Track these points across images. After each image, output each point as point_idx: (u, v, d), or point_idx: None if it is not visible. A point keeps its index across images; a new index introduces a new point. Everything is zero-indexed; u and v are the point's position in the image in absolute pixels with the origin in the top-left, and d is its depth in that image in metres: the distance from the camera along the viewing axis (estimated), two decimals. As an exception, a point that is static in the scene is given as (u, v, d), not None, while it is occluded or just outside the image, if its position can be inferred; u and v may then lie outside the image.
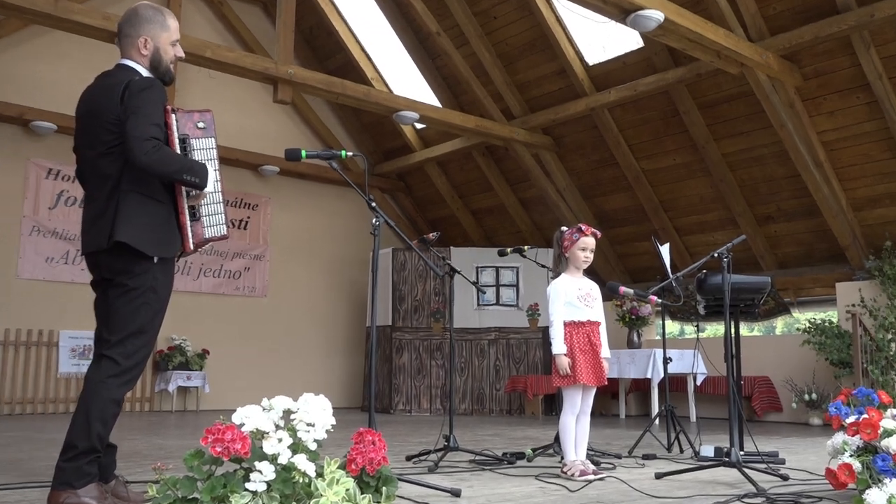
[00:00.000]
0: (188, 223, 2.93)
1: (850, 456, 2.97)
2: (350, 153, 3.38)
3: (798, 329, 8.12)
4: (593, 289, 4.19)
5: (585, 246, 4.14)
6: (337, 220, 10.90)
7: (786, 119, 7.35)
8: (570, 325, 3.98)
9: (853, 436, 3.01)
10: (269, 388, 9.58)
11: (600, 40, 8.47)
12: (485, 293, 5.66)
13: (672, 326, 10.63)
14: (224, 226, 3.02)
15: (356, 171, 10.76)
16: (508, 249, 5.56)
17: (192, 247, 2.96)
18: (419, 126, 10.38)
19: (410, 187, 11.47)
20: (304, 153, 3.27)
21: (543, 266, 5.51)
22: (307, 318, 10.46)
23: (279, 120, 10.45)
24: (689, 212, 8.96)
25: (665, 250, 5.56)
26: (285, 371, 10.07)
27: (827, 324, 7.78)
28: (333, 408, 2.14)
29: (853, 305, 7.73)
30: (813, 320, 7.90)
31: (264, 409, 2.08)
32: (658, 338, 9.35)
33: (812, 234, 8.30)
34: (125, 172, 2.82)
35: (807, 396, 7.63)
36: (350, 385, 10.59)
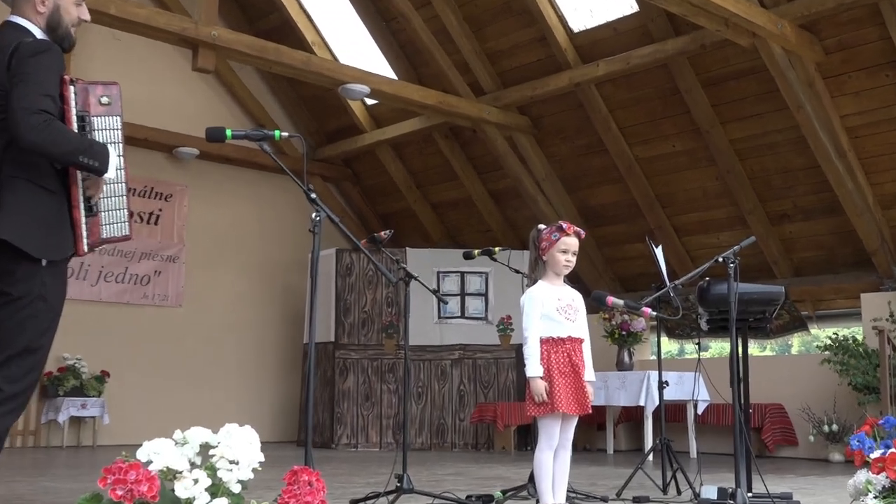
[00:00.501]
0: (83, 219, 2.87)
1: (875, 497, 2.99)
2: (285, 134, 3.36)
3: (817, 348, 8.23)
4: (576, 299, 4.23)
5: (567, 247, 4.19)
6: (269, 215, 10.87)
7: (804, 100, 7.46)
8: (547, 343, 4.01)
9: (878, 473, 3.03)
10: (184, 418, 9.34)
11: (588, 3, 8.49)
12: (447, 303, 5.66)
13: (669, 345, 10.76)
14: (126, 224, 2.99)
15: (293, 155, 10.71)
16: (476, 251, 5.55)
17: (86, 248, 2.91)
18: (370, 102, 10.34)
19: (359, 175, 11.45)
20: (229, 133, 3.27)
21: (517, 271, 5.51)
22: (232, 333, 10.40)
23: (199, 92, 10.38)
24: (691, 208, 9.06)
25: (661, 253, 5.62)
26: (204, 397, 10.00)
27: (850, 341, 7.86)
28: (263, 442, 2.12)
29: (881, 320, 7.82)
30: (834, 337, 7.97)
31: (177, 444, 2.05)
32: (653, 358, 9.40)
33: (833, 235, 8.43)
34: (8, 153, 2.75)
35: (826, 428, 7.73)
36: (283, 414, 10.56)
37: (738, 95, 8.11)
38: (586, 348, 4.23)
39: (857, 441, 3.20)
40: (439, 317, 9.35)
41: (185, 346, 10.03)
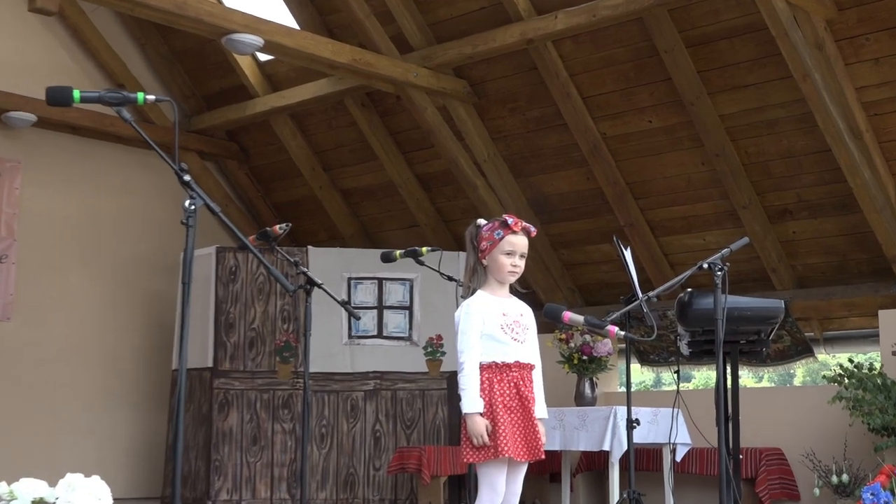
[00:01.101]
0: None
1: (892, 565, 3.09)
2: (152, 97, 3.35)
3: (825, 378, 8.27)
4: (525, 314, 4.31)
5: (513, 248, 4.26)
6: (130, 202, 10.78)
7: (811, 67, 7.57)
8: (489, 369, 4.06)
9: (896, 535, 3.14)
10: (12, 465, 8.87)
11: (543, -63, 8.72)
12: (359, 319, 5.64)
13: (642, 373, 10.86)
14: None
15: (162, 124, 10.63)
16: (398, 252, 5.57)
17: None
18: (264, 58, 10.33)
19: (248, 152, 11.42)
20: (76, 94, 3.24)
21: (451, 279, 5.52)
22: (77, 356, 10.27)
23: (39, 41, 10.23)
24: (670, 201, 9.17)
25: (632, 258, 5.68)
26: (39, 439, 9.83)
27: (866, 370, 7.94)
28: (116, 498, 2.08)
29: (903, 343, 8.18)
30: (846, 365, 8.05)
31: (3, 500, 2.00)
32: (621, 390, 9.46)
33: (846, 237, 8.59)
34: None
35: (835, 478, 7.81)
36: (145, 461, 10.45)
37: (731, 59, 8.22)
38: (537, 377, 4.28)
39: (872, 494, 3.29)
40: (350, 336, 9.36)
41: (15, 371, 9.85)
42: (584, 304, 10.05)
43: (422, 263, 5.55)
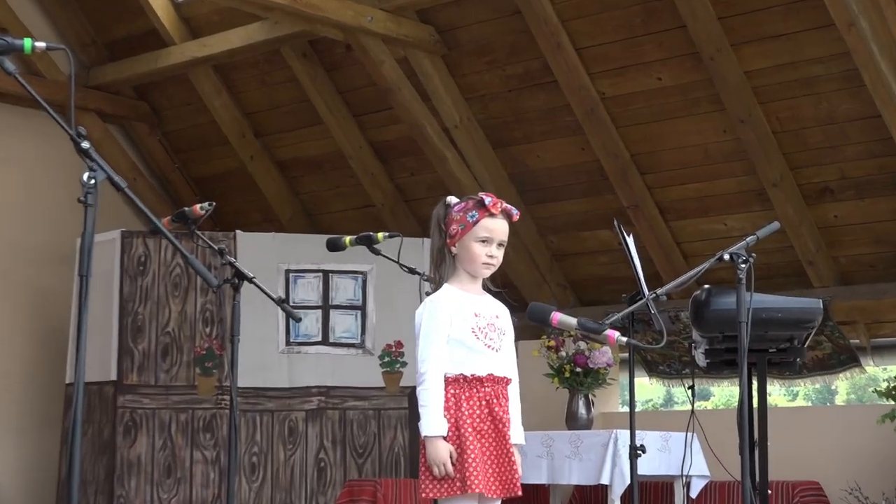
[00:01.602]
0: None
1: None
2: (42, 44, 3.35)
3: (876, 394, 8.27)
4: (501, 316, 4.37)
5: (490, 235, 4.30)
6: (11, 175, 10.76)
7: (857, 13, 7.60)
8: (456, 383, 4.09)
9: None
10: None
11: None
12: (300, 321, 5.66)
13: (649, 389, 10.94)
14: None
15: (54, 78, 10.64)
16: (348, 239, 5.58)
17: None
18: (180, -4, 10.64)
19: (161, 114, 11.44)
20: (-57, 41, 3.26)
21: (414, 271, 5.53)
22: (-53, 367, 10.45)
23: None
24: (684, 176, 9.24)
25: (636, 247, 5.71)
26: None
27: (925, 385, 8.21)
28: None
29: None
30: (898, 378, 8.33)
31: None
32: (623, 410, 9.61)
33: (899, 222, 8.92)
34: None
35: (884, 517, 8.06)
36: (32, 498, 10.46)
37: (759, 3, 8.27)
38: (514, 394, 4.31)
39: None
40: (287, 342, 9.39)
41: None
42: (577, 304, 10.10)
43: (377, 253, 5.56)
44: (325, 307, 9.58)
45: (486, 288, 4.44)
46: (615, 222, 6.40)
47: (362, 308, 9.63)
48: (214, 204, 4.84)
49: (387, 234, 5.53)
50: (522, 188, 9.93)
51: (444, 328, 4.13)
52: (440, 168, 9.91)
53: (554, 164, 9.74)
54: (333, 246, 5.76)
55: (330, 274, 9.63)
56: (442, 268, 4.31)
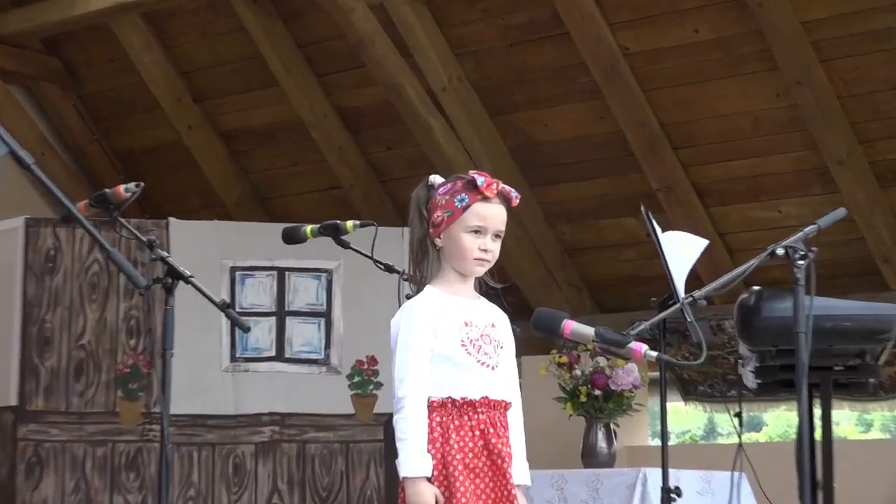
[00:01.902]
0: None
1: None
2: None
3: None
4: (498, 324, 4.37)
5: (483, 224, 4.26)
6: None
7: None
8: (442, 409, 4.09)
9: None
10: None
11: None
12: (248, 330, 5.62)
13: (685, 416, 11.06)
14: None
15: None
16: (309, 228, 5.58)
17: None
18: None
19: (77, 72, 11.51)
20: None
21: (391, 269, 5.52)
22: None
23: None
24: (728, 152, 9.31)
25: (671, 238, 5.69)
26: None
27: None
28: None
29: None
30: None
31: None
32: (654, 443, 9.65)
33: None
34: None
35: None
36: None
37: (821, -69, 8.57)
38: (517, 422, 4.30)
39: None
40: (233, 358, 9.39)
41: None
42: (595, 311, 10.19)
43: (346, 246, 5.45)
44: (281, 314, 9.56)
45: (479, 289, 4.46)
46: (642, 209, 6.38)
47: (327, 315, 9.63)
48: (142, 185, 4.81)
49: (357, 222, 5.47)
50: (526, 166, 9.95)
51: (426, 340, 4.07)
52: (424, 140, 9.94)
53: (565, 135, 9.76)
54: (291, 237, 5.71)
55: (286, 272, 9.59)
56: (424, 265, 4.26)
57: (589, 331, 4.21)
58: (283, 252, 8.94)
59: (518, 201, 4.39)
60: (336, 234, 5.54)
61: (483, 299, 4.36)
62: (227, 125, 11.15)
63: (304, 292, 9.69)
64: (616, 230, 9.95)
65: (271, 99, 10.77)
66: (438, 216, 4.21)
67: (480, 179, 4.25)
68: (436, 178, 4.42)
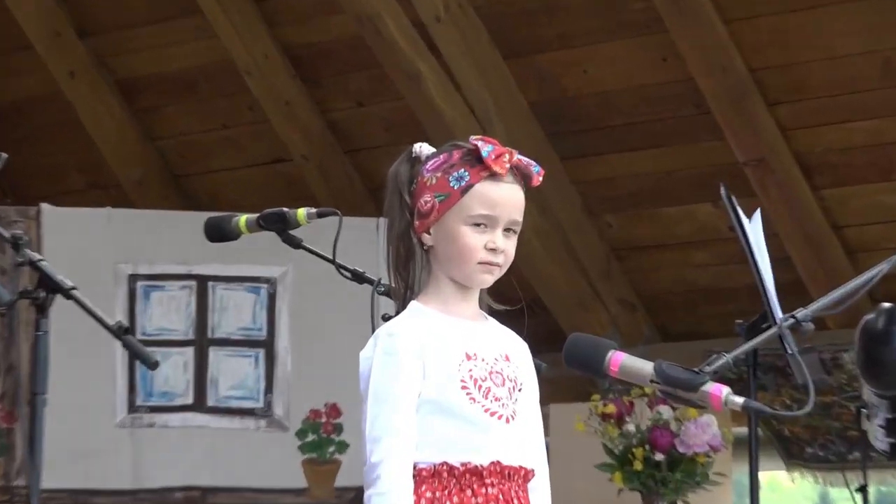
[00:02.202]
0: None
1: None
2: None
3: None
4: (514, 355, 4.28)
5: (492, 211, 4.14)
6: None
7: None
8: (435, 479, 4.03)
9: None
10: None
11: None
12: (155, 367, 5.60)
13: (788, 489, 11.15)
14: None
15: None
16: (243, 219, 5.59)
17: None
18: None
19: None
20: None
21: (360, 278, 5.52)
22: None
23: None
24: (844, 108, 9.37)
25: (761, 232, 5.68)
26: None
27: None
28: None
29: None
30: None
31: None
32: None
33: None
34: None
35: None
36: None
37: None
38: (542, 497, 4.26)
39: None
40: (133, 407, 9.48)
41: None
42: (656, 338, 10.31)
43: (296, 244, 5.62)
44: (201, 343, 9.66)
45: (487, 305, 4.32)
46: (723, 191, 6.37)
47: (267, 345, 9.65)
48: (6, 156, 4.83)
49: (313, 210, 5.47)
50: (555, 129, 10.03)
51: (411, 382, 3.93)
52: (409, 93, 10.03)
53: (612, 85, 9.86)
54: (217, 232, 5.77)
55: (210, 283, 9.62)
56: (408, 272, 4.20)
57: (646, 367, 4.14)
58: (205, 253, 8.95)
59: (541, 179, 4.36)
60: (282, 227, 5.54)
61: (493, 321, 4.25)
62: (125, 71, 11.29)
63: (234, 312, 9.67)
64: (684, 222, 10.04)
65: (189, 33, 10.89)
66: (427, 202, 4.12)
67: (487, 148, 4.15)
68: (423, 148, 4.34)
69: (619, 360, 4.12)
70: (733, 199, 6.02)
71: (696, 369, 4.21)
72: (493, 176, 4.07)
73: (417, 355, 3.98)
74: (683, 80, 9.46)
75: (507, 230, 4.12)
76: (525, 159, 4.21)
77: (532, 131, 9.63)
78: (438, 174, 4.13)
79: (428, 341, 4.05)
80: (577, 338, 4.29)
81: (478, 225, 4.05)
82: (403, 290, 4.22)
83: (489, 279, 4.12)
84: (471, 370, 4.04)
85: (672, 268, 9.97)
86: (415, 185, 4.18)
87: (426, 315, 4.09)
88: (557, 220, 9.76)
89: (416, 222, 4.12)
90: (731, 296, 9.20)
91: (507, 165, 4.09)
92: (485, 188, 4.06)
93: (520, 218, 4.17)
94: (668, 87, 9.52)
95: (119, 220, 9.66)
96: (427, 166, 4.19)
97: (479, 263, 4.07)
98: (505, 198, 4.09)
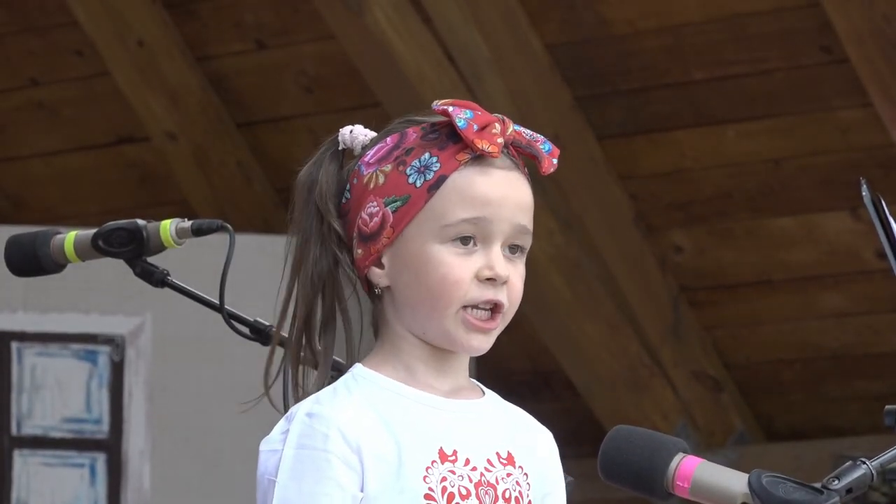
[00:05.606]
0: None
1: None
2: None
3: None
4: (524, 456, 4.02)
5: (483, 213, 3.82)
6: None
7: None
8: None
9: None
10: None
11: None
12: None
13: None
14: None
15: None
16: (69, 239, 5.63)
17: None
18: None
19: None
20: None
21: (259, 334, 5.61)
22: None
23: None
24: None
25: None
26: None
27: None
28: None
29: None
30: None
31: None
32: None
33: None
34: None
35: None
36: None
37: None
38: None
39: None
40: None
41: None
42: (758, 436, 10.32)
43: (161, 281, 5.57)
44: (2, 442, 9.69)
45: (478, 369, 4.29)
46: (864, 188, 6.44)
47: (111, 446, 9.71)
48: None
49: (186, 223, 5.54)
50: (587, 89, 10.11)
51: (339, 495, 3.83)
52: (344, 27, 10.33)
53: (680, 17, 10.00)
54: (27, 259, 5.78)
55: (14, 344, 9.71)
56: (329, 341, 4.12)
57: (736, 482, 4.10)
58: (5, 296, 9.08)
59: (556, 164, 4.13)
60: (136, 250, 5.56)
61: (492, 397, 4.03)
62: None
63: (55, 393, 9.79)
64: (801, 243, 10.01)
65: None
66: (373, 216, 3.90)
67: (463, 115, 3.79)
68: (355, 133, 4.11)
69: (692, 470, 4.05)
70: (882, 202, 6.02)
71: (818, 485, 4.21)
72: (478, 159, 3.94)
73: (353, 451, 3.83)
74: (798, 9, 9.62)
75: (510, 247, 4.05)
76: (527, 131, 3.87)
77: (550, 91, 9.73)
78: (387, 168, 3.95)
79: (373, 432, 3.89)
80: (624, 434, 4.07)
81: (461, 241, 3.99)
82: (324, 354, 4.05)
83: (484, 341, 3.97)
84: (444, 479, 3.86)
85: (780, 320, 10.08)
86: (347, 195, 4.05)
87: (375, 387, 3.97)
88: (591, 240, 9.85)
89: (357, 253, 4.03)
90: (878, 366, 9.31)
91: (500, 141, 3.94)
92: (466, 179, 3.89)
93: (528, 224, 3.87)
94: (772, 24, 9.65)
95: None
96: (366, 159, 3.95)
97: (467, 308, 4.01)
98: (501, 192, 3.87)
